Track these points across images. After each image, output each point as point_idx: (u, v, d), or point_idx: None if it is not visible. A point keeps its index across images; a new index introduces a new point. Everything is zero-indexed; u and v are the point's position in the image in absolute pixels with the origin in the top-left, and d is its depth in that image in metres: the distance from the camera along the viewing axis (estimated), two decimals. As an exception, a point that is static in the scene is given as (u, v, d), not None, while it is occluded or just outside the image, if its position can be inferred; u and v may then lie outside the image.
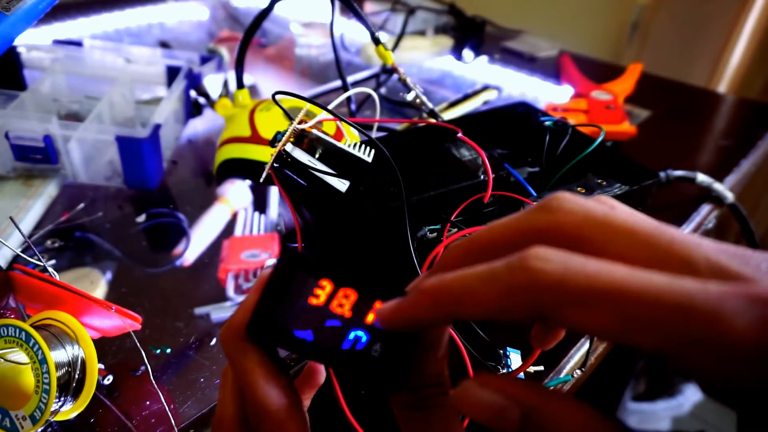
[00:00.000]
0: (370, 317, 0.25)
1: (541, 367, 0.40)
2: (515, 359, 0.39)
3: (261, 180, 0.37)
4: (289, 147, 0.37)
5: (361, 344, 0.25)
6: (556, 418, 0.19)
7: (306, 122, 0.38)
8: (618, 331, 0.18)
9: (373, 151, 0.39)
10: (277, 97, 0.38)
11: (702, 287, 0.17)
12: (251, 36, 0.61)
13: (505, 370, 0.38)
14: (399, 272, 0.40)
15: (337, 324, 0.25)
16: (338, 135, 0.54)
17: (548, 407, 0.20)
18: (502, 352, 0.39)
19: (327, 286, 0.26)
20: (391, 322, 0.24)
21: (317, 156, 0.38)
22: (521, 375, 0.38)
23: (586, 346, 0.43)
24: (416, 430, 0.25)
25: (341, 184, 0.38)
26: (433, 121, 0.54)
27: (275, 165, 0.37)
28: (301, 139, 0.38)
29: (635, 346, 0.18)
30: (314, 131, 0.38)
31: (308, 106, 0.39)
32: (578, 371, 0.42)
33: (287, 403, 0.25)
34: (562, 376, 0.42)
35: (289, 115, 0.39)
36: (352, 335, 0.25)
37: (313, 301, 0.26)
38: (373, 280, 0.26)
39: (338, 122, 0.54)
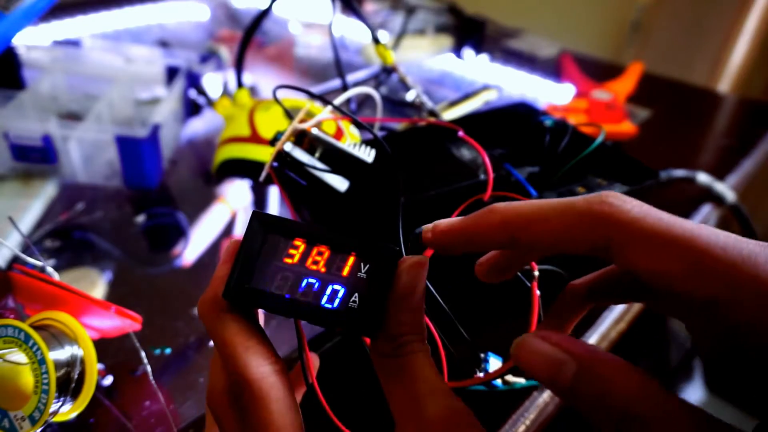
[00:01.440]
0: (346, 270, 0.26)
1: (522, 380, 0.39)
2: (494, 365, 0.37)
3: (261, 179, 0.37)
4: (288, 146, 0.37)
5: (339, 297, 0.26)
6: (610, 377, 0.20)
7: (306, 121, 0.38)
8: (679, 275, 0.20)
9: (373, 151, 0.39)
10: (278, 93, 0.37)
11: (763, 248, 0.20)
12: (251, 35, 0.61)
13: (480, 374, 0.37)
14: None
15: (314, 280, 0.26)
16: (338, 135, 0.54)
17: (603, 367, 0.20)
18: (482, 356, 0.38)
19: (300, 245, 0.27)
20: (448, 235, 0.26)
21: (317, 156, 0.38)
22: (497, 381, 0.38)
23: None
24: (394, 378, 0.25)
25: (341, 184, 0.38)
26: (434, 120, 0.54)
27: (275, 164, 0.37)
28: (302, 138, 0.38)
29: (688, 291, 0.20)
30: (314, 131, 0.37)
31: (308, 105, 0.39)
32: None
33: (269, 372, 0.25)
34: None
35: (289, 114, 0.39)
36: (329, 289, 0.26)
37: (288, 260, 0.26)
38: (345, 235, 0.26)
39: (338, 122, 0.54)
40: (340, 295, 0.26)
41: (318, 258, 0.26)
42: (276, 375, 0.26)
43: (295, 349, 0.43)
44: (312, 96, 0.37)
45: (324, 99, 0.37)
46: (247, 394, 0.25)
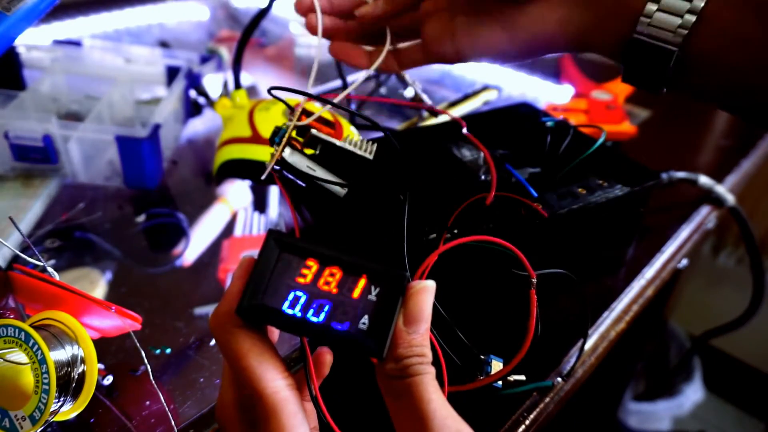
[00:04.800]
0: (356, 292, 0.27)
1: (523, 377, 0.39)
2: (496, 367, 0.38)
3: (263, 177, 0.37)
4: (287, 152, 0.37)
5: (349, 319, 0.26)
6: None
7: (305, 120, 0.38)
8: None
9: (375, 146, 0.39)
10: (273, 93, 0.37)
11: None
12: (249, 35, 0.61)
13: (482, 377, 0.37)
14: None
15: (326, 300, 0.27)
16: (337, 130, 0.54)
17: None
18: (483, 358, 0.38)
19: (313, 265, 0.27)
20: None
21: (317, 151, 0.38)
22: (498, 383, 0.38)
23: (575, 356, 0.43)
24: (400, 400, 0.26)
25: (340, 189, 0.38)
26: (443, 110, 0.53)
27: (276, 167, 0.37)
28: (304, 132, 0.38)
29: None
30: (313, 131, 0.37)
31: (303, 102, 0.38)
32: (559, 379, 0.42)
33: (282, 386, 0.26)
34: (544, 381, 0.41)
35: (291, 108, 0.38)
36: (340, 310, 0.26)
37: (301, 280, 0.27)
38: (357, 257, 0.27)
39: (336, 118, 0.53)
40: (351, 317, 0.26)
41: (330, 279, 0.27)
42: (289, 389, 0.26)
43: (295, 348, 0.43)
44: (306, 96, 0.37)
45: (322, 99, 0.37)
46: (261, 407, 0.25)
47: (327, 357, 0.32)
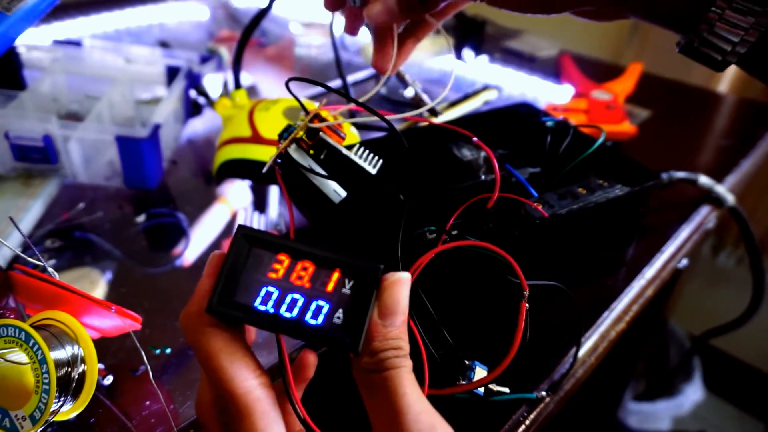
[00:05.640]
0: (330, 286, 0.26)
1: (506, 389, 0.38)
2: (480, 374, 0.37)
3: (264, 170, 0.37)
4: (293, 148, 0.37)
5: (323, 313, 0.26)
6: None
7: (317, 123, 0.38)
8: None
9: (380, 162, 0.39)
10: (283, 92, 0.37)
11: None
12: (249, 35, 0.61)
13: (464, 382, 0.36)
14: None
15: (299, 295, 0.26)
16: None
17: None
18: (468, 363, 0.37)
19: (285, 260, 0.26)
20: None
21: (323, 156, 0.38)
22: (480, 390, 0.37)
23: (566, 368, 0.43)
24: (375, 394, 0.26)
25: (337, 195, 0.38)
26: (449, 125, 0.53)
27: (278, 161, 0.37)
28: (313, 135, 0.37)
29: None
30: (322, 134, 0.37)
31: (319, 106, 0.38)
32: (543, 393, 0.41)
33: (255, 385, 0.25)
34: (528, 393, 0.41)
35: (303, 106, 0.38)
36: (313, 305, 0.26)
37: (272, 275, 0.26)
38: (330, 251, 0.26)
39: (338, 123, 0.53)
40: (324, 311, 0.26)
41: (302, 273, 0.26)
42: (261, 388, 0.26)
43: (293, 350, 0.43)
44: (326, 88, 0.37)
45: (342, 93, 0.37)
46: (233, 408, 0.25)
47: (311, 359, 0.32)
